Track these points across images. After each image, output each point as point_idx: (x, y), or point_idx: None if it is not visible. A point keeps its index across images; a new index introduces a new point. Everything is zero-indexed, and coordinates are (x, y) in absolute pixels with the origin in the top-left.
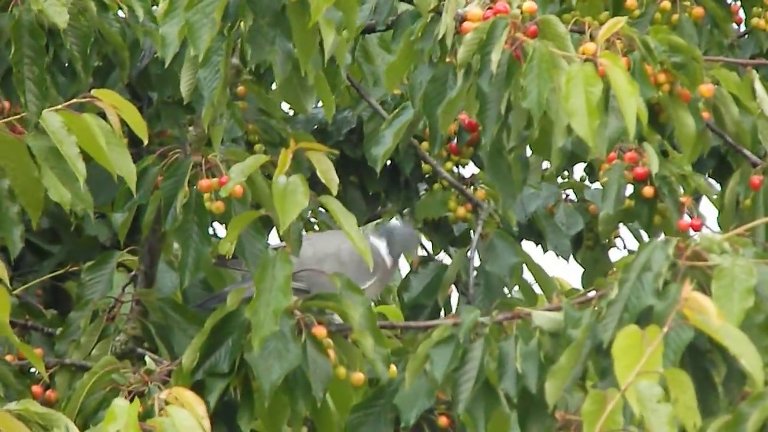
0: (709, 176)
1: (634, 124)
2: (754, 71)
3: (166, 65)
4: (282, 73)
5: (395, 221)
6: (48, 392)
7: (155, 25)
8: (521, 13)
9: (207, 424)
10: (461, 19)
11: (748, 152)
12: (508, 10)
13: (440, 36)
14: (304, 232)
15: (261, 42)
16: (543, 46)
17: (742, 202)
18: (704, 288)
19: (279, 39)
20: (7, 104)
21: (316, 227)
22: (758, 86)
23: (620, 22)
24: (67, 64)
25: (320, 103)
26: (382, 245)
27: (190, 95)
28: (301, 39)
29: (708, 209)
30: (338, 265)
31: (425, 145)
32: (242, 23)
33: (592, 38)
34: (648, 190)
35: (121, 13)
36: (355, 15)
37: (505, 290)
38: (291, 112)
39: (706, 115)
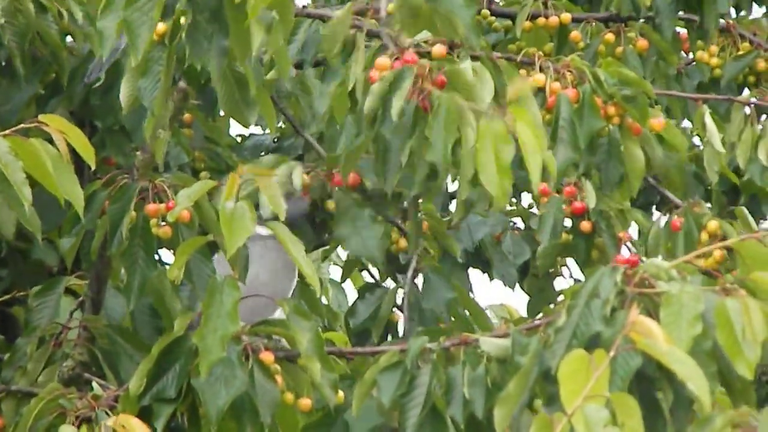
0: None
1: (539, 178)
2: (705, 105)
3: (104, 58)
4: (217, 70)
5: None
6: None
7: (94, 29)
8: (431, 58)
9: None
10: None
11: (670, 194)
12: (416, 61)
13: (350, 88)
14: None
15: (199, 39)
16: (449, 97)
17: (663, 246)
18: (653, 315)
19: (216, 36)
20: None
21: None
22: (708, 120)
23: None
24: (5, 64)
25: (267, 130)
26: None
27: (129, 107)
28: (237, 36)
29: None
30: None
31: None
32: (183, 34)
33: (541, 69)
34: (585, 225)
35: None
36: (290, 14)
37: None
38: (238, 140)
39: None
